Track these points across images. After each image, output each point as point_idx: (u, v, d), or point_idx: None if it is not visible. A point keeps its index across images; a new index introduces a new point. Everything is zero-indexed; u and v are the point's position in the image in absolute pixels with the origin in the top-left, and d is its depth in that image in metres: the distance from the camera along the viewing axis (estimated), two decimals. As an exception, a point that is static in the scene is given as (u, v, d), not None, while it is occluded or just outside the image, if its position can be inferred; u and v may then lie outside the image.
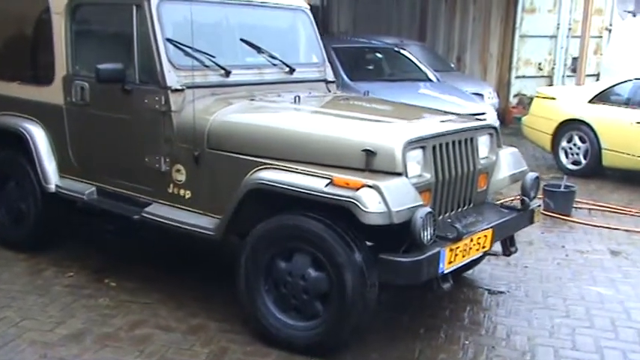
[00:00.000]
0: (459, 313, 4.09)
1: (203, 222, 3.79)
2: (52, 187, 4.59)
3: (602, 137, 8.18)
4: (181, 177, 3.95)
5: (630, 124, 7.89)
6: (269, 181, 3.43)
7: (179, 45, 4.02)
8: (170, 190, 4.01)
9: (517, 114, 12.55)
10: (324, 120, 3.68)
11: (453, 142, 3.66)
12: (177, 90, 3.94)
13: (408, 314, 4.03)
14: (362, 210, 3.12)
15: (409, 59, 9.91)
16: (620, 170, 8.20)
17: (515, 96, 13.68)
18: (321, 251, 3.32)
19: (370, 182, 3.18)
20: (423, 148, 3.45)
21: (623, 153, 7.96)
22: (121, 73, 4.02)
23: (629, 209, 6.77)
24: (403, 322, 3.94)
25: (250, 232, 3.55)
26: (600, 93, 8.45)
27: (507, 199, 5.78)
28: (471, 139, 3.81)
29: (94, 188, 4.42)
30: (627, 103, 8.13)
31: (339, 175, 3.26)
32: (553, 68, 13.90)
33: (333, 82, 5.05)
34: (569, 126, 8.61)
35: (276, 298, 3.53)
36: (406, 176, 3.31)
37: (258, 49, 4.51)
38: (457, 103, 8.26)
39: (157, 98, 3.96)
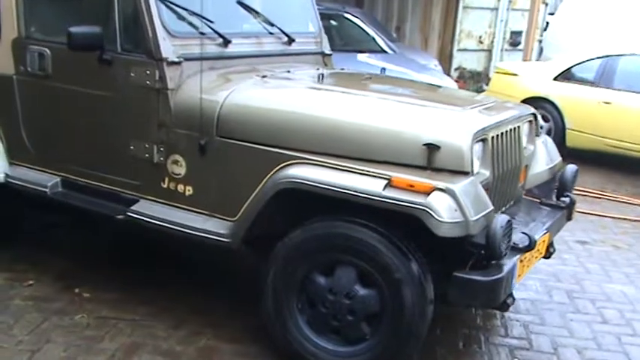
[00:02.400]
0: (491, 320, 3.66)
1: (213, 226, 3.12)
2: (1, 177, 3.76)
3: (567, 116, 7.98)
4: (180, 170, 3.25)
5: (597, 103, 7.72)
6: (308, 180, 2.81)
7: (174, 6, 3.29)
8: (164, 185, 3.30)
9: (460, 89, 12.34)
10: (370, 106, 3.05)
11: (506, 132, 3.16)
12: (173, 63, 3.22)
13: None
14: (435, 219, 2.57)
15: (361, 28, 9.34)
16: (583, 151, 8.06)
17: (456, 69, 13.45)
18: (373, 265, 2.76)
19: (441, 185, 2.63)
20: (484, 140, 2.93)
21: (589, 133, 7.80)
22: (99, 39, 3.25)
23: (607, 194, 6.60)
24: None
25: (282, 241, 2.93)
26: (565, 70, 8.24)
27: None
28: (518, 128, 3.33)
29: (57, 179, 3.62)
30: (594, 81, 7.95)
31: (399, 175, 2.70)
32: (492, 42, 13.74)
33: (330, 54, 4.44)
34: (532, 104, 8.16)
35: (311, 319, 2.96)
36: (472, 175, 2.79)
37: (256, 14, 3.84)
38: (416, 77, 7.81)
39: (147, 72, 3.22)
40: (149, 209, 3.31)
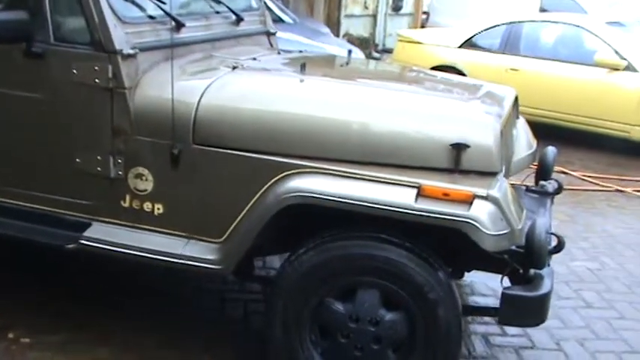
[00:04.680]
0: (481, 319, 3.44)
1: (196, 250, 2.61)
2: None
3: (474, 84, 7.99)
4: (145, 185, 2.69)
5: (505, 70, 7.75)
6: (323, 193, 2.38)
7: (125, -13, 2.70)
8: (125, 204, 2.73)
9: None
10: (382, 102, 2.63)
11: (507, 121, 2.90)
12: (129, 55, 2.64)
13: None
14: (483, 232, 2.25)
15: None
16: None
17: (344, 36, 13.22)
18: (402, 285, 2.41)
19: (482, 191, 2.31)
20: (501, 133, 2.65)
21: (497, 100, 7.86)
22: (26, 28, 2.60)
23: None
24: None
25: (290, 265, 2.50)
26: (471, 38, 8.22)
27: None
28: (510, 114, 3.08)
29: (-26, 202, 2.93)
30: (500, 48, 7.99)
31: (430, 183, 2.35)
32: (377, 7, 13.64)
33: (274, 33, 3.97)
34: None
35: (326, 351, 2.56)
36: (500, 174, 2.50)
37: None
38: (329, 50, 7.44)
39: (96, 68, 2.62)
40: (108, 234, 2.73)
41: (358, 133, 2.49)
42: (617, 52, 7.20)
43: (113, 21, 2.60)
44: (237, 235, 2.57)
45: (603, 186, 5.89)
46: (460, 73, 8.03)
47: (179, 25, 2.94)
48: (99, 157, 2.70)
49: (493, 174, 2.46)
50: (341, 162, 2.47)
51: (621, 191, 5.79)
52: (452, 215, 2.28)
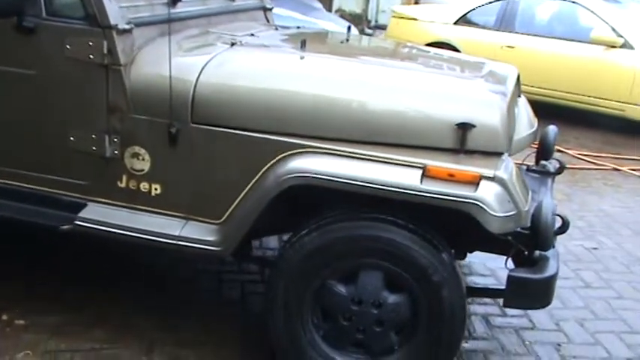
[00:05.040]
0: (480, 300, 3.42)
1: (195, 231, 2.56)
2: None
3: (469, 61, 7.92)
4: (142, 165, 2.62)
5: (500, 47, 7.69)
6: (326, 174, 2.32)
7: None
8: (122, 184, 2.66)
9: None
10: (384, 80, 2.56)
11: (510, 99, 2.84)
12: (124, 31, 2.55)
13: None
14: (489, 214, 2.21)
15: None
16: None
17: (336, 12, 13.08)
18: (406, 267, 2.36)
19: (488, 172, 2.27)
20: (507, 112, 2.59)
21: (492, 77, 7.80)
22: (17, 1, 2.52)
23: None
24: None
25: (291, 247, 2.45)
26: (466, 14, 8.13)
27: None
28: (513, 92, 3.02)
29: (-34, 183, 2.85)
30: (495, 25, 7.91)
31: (436, 164, 2.29)
32: (368, -18, 13.51)
33: (271, 9, 3.88)
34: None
35: (328, 333, 2.53)
36: (505, 155, 2.45)
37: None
38: (322, 25, 7.32)
39: (90, 44, 2.53)
40: (104, 215, 2.66)
41: (361, 112, 2.43)
42: (613, 30, 7.15)
43: None
44: (237, 216, 2.51)
45: (599, 164, 5.88)
46: (454, 49, 7.94)
47: (175, 0, 2.86)
48: (94, 136, 2.63)
49: (499, 154, 2.41)
50: (343, 142, 2.41)
51: (617, 170, 5.78)
52: (458, 196, 2.23)
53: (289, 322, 2.49)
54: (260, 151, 2.47)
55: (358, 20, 13.08)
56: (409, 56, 2.94)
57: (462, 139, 2.37)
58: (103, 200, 2.69)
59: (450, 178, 2.26)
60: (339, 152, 2.37)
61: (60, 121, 2.66)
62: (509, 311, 3.23)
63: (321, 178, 2.33)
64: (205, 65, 2.55)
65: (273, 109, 2.48)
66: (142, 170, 2.63)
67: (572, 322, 3.26)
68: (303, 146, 2.41)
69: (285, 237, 2.65)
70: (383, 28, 13.08)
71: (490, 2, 8.05)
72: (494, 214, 2.22)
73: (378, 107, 2.43)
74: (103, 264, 3.41)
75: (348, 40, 3.16)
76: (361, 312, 2.44)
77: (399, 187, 2.27)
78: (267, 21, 3.77)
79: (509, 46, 7.64)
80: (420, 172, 2.28)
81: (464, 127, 2.36)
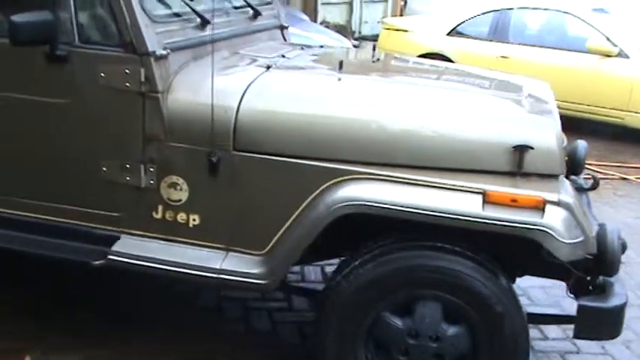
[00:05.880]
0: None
1: (237, 264, 2.44)
2: None
3: (464, 72, 7.91)
4: (179, 195, 2.50)
5: (495, 58, 7.67)
6: (382, 202, 2.22)
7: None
8: (157, 215, 2.54)
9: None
10: (433, 102, 2.48)
11: None
12: (161, 57, 2.44)
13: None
14: (559, 241, 2.13)
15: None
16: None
17: (321, 23, 13.02)
18: (467, 298, 2.27)
19: (552, 196, 2.19)
20: (558, 132, 2.53)
21: (487, 88, 7.79)
22: (51, 29, 2.38)
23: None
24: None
25: (345, 279, 2.34)
26: (458, 25, 8.11)
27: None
28: None
29: (-12, 216, 2.70)
30: (489, 35, 7.91)
31: (496, 189, 2.21)
32: (353, -7, 13.48)
33: (287, 27, 3.79)
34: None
35: (381, 369, 2.43)
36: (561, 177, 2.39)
37: (220, -15, 3.09)
38: (316, 39, 7.23)
39: (126, 71, 2.42)
40: (139, 248, 2.54)
41: (412, 136, 2.34)
42: (608, 39, 7.18)
43: (145, 20, 2.40)
44: (283, 246, 2.41)
45: (606, 174, 5.86)
46: (448, 60, 7.92)
47: (205, 23, 2.75)
48: (128, 166, 2.51)
49: (555, 176, 2.34)
50: (394, 167, 2.32)
51: (625, 179, 5.77)
52: (523, 223, 2.15)
53: (342, 357, 2.39)
54: (307, 178, 2.37)
55: (343, 31, 13.03)
56: (447, 75, 2.86)
57: (518, 162, 2.29)
58: (138, 232, 2.57)
59: (513, 203, 2.18)
60: (393, 178, 2.28)
61: (92, 151, 2.53)
62: (551, 334, 3.16)
63: (377, 206, 2.24)
64: (246, 90, 2.45)
65: (320, 134, 2.38)
66: (180, 200, 2.51)
67: (619, 344, 3.15)
68: (354, 172, 2.32)
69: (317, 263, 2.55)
70: (366, 39, 13.11)
71: (482, 13, 8.03)
72: (564, 240, 2.14)
73: (431, 131, 2.35)
74: (123, 294, 3.28)
75: (378, 59, 3.08)
76: (418, 345, 2.34)
77: (460, 215, 2.18)
78: (284, 39, 3.68)
79: (503, 57, 7.63)
80: (481, 197, 2.20)
81: (521, 150, 2.28)
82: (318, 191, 2.35)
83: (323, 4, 12.84)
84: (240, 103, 2.41)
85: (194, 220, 2.52)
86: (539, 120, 2.42)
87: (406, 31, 8.51)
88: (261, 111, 2.41)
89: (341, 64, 2.67)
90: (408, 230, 2.34)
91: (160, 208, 2.53)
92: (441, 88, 2.64)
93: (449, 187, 2.24)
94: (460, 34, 8.07)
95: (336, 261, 2.68)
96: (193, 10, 2.69)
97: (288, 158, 2.39)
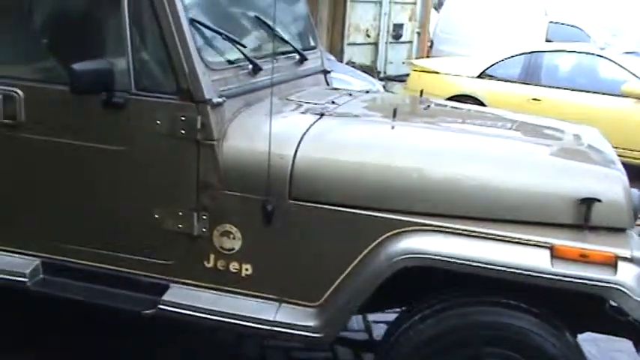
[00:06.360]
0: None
1: (291, 316, 2.37)
2: None
3: (495, 114, 7.87)
4: (232, 243, 2.46)
5: (527, 100, 7.63)
6: (444, 255, 2.16)
7: (208, 29, 2.50)
8: (209, 264, 2.49)
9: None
10: (495, 153, 2.43)
11: None
12: (217, 104, 2.42)
13: None
14: (633, 299, 2.05)
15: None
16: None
17: (347, 64, 13.11)
18: (533, 357, 2.18)
19: (623, 252, 2.11)
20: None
21: (519, 130, 7.74)
22: (109, 77, 2.38)
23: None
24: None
25: (403, 335, 2.27)
26: (489, 67, 8.11)
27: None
28: None
29: (37, 262, 2.66)
30: (520, 78, 7.88)
31: (565, 243, 2.14)
32: (378, 35, 13.58)
33: (330, 72, 3.78)
34: (457, 101, 8.16)
35: None
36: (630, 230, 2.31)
37: (272, 31, 3.09)
38: (352, 83, 7.23)
39: (182, 118, 2.40)
40: (190, 297, 2.48)
41: (475, 187, 2.29)
42: (643, 82, 7.13)
43: (202, 68, 2.39)
44: (339, 299, 2.34)
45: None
46: (480, 103, 7.92)
47: (257, 69, 2.74)
48: (181, 213, 2.47)
49: (623, 230, 2.27)
50: (456, 218, 2.26)
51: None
52: (595, 280, 2.07)
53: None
54: (365, 229, 2.31)
55: (369, 72, 13.11)
56: (502, 123, 2.81)
57: (585, 215, 2.22)
58: (189, 281, 2.52)
59: (582, 258, 2.11)
60: (456, 230, 2.22)
61: (145, 198, 2.50)
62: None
63: (440, 260, 2.17)
64: (302, 138, 2.42)
65: (379, 183, 2.33)
66: (232, 249, 2.46)
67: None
68: (415, 224, 2.26)
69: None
70: (393, 79, 13.17)
71: (514, 56, 8.03)
72: (638, 299, 2.06)
73: (494, 182, 2.29)
74: (159, 341, 3.22)
75: (429, 105, 3.04)
76: (482, 409, 2.25)
77: (529, 270, 2.11)
78: (327, 83, 3.67)
79: (535, 99, 7.59)
80: (548, 252, 2.13)
81: (588, 203, 2.21)
82: (376, 242, 2.29)
83: (349, 44, 12.94)
84: (296, 151, 2.38)
85: (247, 269, 2.47)
86: (605, 171, 2.36)
87: (436, 72, 8.52)
88: (318, 159, 2.37)
89: (395, 111, 2.63)
90: (468, 283, 2.27)
91: (212, 256, 2.48)
92: (501, 137, 2.58)
93: (515, 240, 2.17)
94: (491, 77, 8.06)
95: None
96: (247, 58, 2.68)
97: (345, 208, 2.34)
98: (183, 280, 2.52)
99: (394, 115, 2.62)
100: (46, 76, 2.61)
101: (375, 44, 13.66)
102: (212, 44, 2.55)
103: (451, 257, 2.17)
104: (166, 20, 2.37)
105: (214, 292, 2.49)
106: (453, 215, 2.26)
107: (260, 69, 2.75)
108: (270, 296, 2.45)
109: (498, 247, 2.17)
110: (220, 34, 2.57)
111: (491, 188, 2.28)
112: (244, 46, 2.68)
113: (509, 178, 2.29)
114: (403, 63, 14.05)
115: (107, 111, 2.44)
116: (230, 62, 2.65)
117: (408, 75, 11.18)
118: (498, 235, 2.19)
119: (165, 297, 2.49)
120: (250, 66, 2.70)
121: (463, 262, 2.15)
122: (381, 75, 13.76)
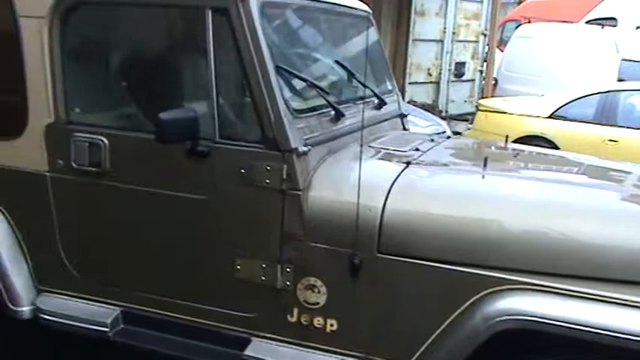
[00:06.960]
0: None
1: (380, 377, 2.26)
2: (26, 311, 2.72)
3: (567, 155, 7.60)
4: (317, 298, 2.36)
5: (603, 142, 7.35)
6: (550, 318, 2.00)
7: (294, 77, 2.46)
8: (292, 319, 2.40)
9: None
10: (601, 206, 2.27)
11: None
12: (303, 153, 2.36)
13: None
14: None
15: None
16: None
17: (409, 102, 13.04)
18: None
19: None
20: None
21: (594, 172, 7.45)
22: (195, 126, 2.35)
23: None
24: None
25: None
26: (561, 107, 7.88)
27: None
28: None
29: (117, 312, 2.63)
30: (594, 118, 7.62)
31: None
32: (440, 73, 13.49)
33: (407, 116, 3.69)
34: (527, 142, 7.92)
35: None
36: None
37: (351, 75, 3.03)
38: (417, 124, 7.11)
39: (267, 168, 2.34)
40: (272, 353, 2.39)
41: (579, 243, 2.13)
42: None
43: (288, 117, 2.34)
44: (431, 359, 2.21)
45: None
46: (551, 143, 7.68)
47: (339, 115, 2.68)
48: (264, 265, 2.39)
49: None
50: (558, 276, 2.11)
51: None
52: None
53: None
54: (458, 286, 2.18)
55: (431, 111, 13.00)
56: (597, 172, 2.65)
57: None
58: (271, 336, 2.43)
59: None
60: (560, 290, 2.06)
61: (227, 249, 2.44)
62: None
63: (546, 323, 2.02)
64: (390, 189, 2.32)
65: (473, 237, 2.20)
66: (317, 304, 2.36)
67: None
68: (513, 282, 2.12)
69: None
70: (455, 118, 13.00)
71: (587, 95, 7.78)
72: None
73: (599, 237, 2.13)
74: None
75: (518, 153, 2.91)
76: None
77: (646, 337, 1.93)
78: (404, 127, 3.58)
79: (612, 140, 7.29)
80: (667, 316, 1.95)
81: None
82: (471, 301, 2.16)
83: (410, 83, 12.87)
84: (385, 203, 2.28)
85: (332, 325, 2.36)
86: None
87: (504, 112, 8.33)
88: (407, 211, 2.27)
89: (486, 160, 2.51)
90: (568, 348, 2.10)
91: (296, 311, 2.39)
92: (600, 189, 2.43)
93: (627, 302, 2.00)
94: (563, 117, 7.82)
95: None
96: (330, 104, 2.62)
97: (437, 263, 2.22)
98: (264, 334, 2.44)
99: (485, 165, 2.50)
100: (131, 125, 2.61)
101: (437, 83, 13.56)
102: (296, 91, 2.51)
103: (556, 320, 2.01)
104: (253, 68, 2.33)
105: (297, 347, 2.40)
106: (554, 273, 2.11)
107: (342, 115, 2.68)
108: (356, 354, 2.34)
109: (608, 310, 2.00)
110: (305, 80, 2.53)
111: (596, 245, 2.12)
112: (328, 93, 2.63)
113: (614, 233, 2.13)
114: (465, 101, 13.91)
115: (191, 159, 2.41)
116: (313, 109, 2.60)
117: (470, 114, 10.98)
118: (608, 297, 2.02)
119: (247, 352, 2.41)
120: (333, 112, 2.65)
121: (569, 325, 1.99)
122: (443, 114, 13.62)
